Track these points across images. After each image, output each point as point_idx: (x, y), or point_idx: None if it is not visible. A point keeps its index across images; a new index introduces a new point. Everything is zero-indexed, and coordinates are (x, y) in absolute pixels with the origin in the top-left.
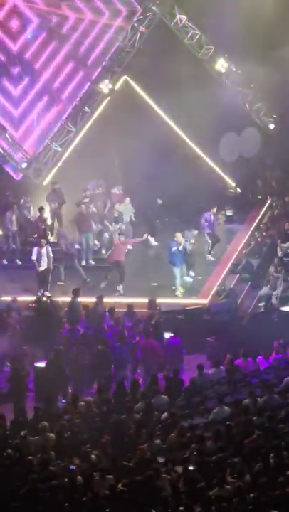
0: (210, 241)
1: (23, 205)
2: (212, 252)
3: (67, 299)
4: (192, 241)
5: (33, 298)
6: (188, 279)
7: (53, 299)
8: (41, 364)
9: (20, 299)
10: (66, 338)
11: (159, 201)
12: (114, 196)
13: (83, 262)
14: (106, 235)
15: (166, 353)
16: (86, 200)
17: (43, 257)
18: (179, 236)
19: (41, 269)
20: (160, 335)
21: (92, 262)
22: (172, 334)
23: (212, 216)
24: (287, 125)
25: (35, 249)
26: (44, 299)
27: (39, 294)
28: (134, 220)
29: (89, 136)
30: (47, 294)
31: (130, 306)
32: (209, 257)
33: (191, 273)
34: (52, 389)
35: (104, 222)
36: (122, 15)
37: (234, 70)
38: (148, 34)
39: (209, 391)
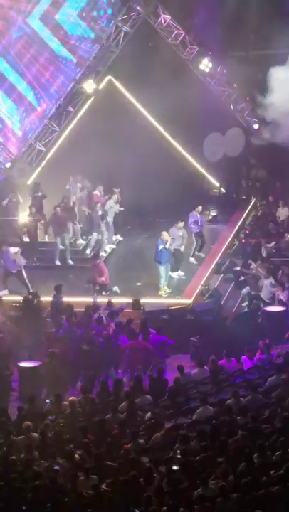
0: (196, 242)
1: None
2: (196, 254)
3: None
4: (180, 233)
5: (19, 298)
6: (175, 276)
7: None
8: (25, 364)
9: (5, 298)
10: (50, 337)
11: None
12: (96, 197)
13: (57, 262)
14: (94, 235)
15: (154, 348)
16: (62, 204)
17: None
18: (165, 234)
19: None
20: (146, 334)
21: (71, 262)
22: (155, 332)
23: (198, 215)
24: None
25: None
26: (30, 297)
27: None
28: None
29: (73, 135)
30: (32, 291)
31: (109, 303)
32: (192, 259)
33: (180, 272)
34: (50, 390)
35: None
36: (106, 14)
37: (218, 69)
38: (132, 34)
39: (193, 391)
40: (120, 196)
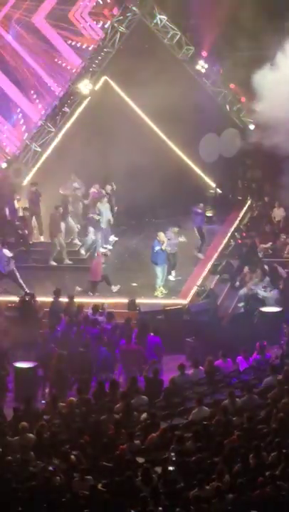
0: (199, 236)
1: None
2: (195, 254)
3: (48, 299)
4: (176, 237)
5: (15, 298)
6: (172, 278)
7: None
8: (21, 364)
9: (1, 299)
10: (45, 338)
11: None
12: (93, 195)
13: (52, 262)
14: (92, 236)
15: (148, 351)
16: (60, 204)
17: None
18: (161, 235)
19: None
20: (143, 336)
21: (70, 262)
22: (152, 334)
23: (200, 211)
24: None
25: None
26: (27, 298)
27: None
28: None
29: (69, 136)
30: (28, 292)
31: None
32: (199, 255)
33: (173, 273)
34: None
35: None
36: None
37: (214, 70)
38: (128, 34)
39: (189, 391)
40: (112, 193)
